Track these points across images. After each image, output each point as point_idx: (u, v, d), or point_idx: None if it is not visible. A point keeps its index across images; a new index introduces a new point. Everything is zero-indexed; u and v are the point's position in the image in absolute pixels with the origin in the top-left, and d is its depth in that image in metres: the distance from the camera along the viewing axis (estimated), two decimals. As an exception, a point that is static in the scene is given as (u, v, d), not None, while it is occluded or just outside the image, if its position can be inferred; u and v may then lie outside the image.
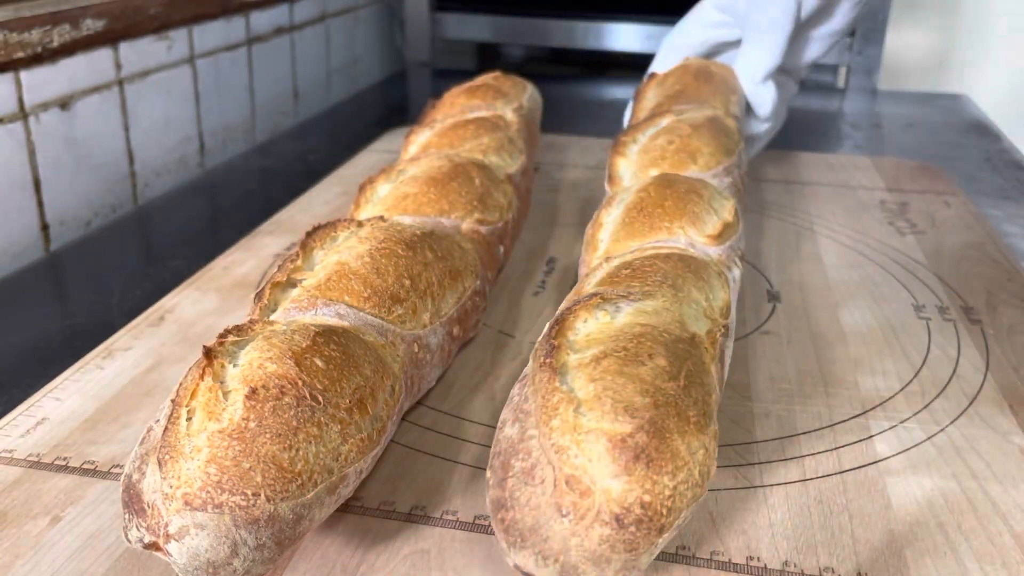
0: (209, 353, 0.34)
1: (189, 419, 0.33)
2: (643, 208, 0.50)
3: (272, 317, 0.41)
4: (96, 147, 0.77)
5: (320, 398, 0.34)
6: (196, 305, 0.56)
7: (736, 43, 0.80)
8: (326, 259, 0.44)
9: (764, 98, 0.76)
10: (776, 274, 0.63)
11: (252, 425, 0.32)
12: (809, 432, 0.45)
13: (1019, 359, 0.52)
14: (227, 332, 0.36)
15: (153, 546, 0.31)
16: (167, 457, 0.32)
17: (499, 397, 0.47)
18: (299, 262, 0.44)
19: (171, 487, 0.31)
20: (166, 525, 0.31)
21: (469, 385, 0.49)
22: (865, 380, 0.49)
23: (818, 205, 0.76)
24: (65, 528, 0.37)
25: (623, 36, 1.28)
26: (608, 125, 1.04)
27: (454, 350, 0.47)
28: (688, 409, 0.33)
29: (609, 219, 0.52)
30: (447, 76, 1.21)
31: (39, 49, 0.69)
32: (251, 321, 0.38)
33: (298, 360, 0.34)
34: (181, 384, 0.34)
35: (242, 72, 0.99)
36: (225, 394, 0.33)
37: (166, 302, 0.57)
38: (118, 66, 0.79)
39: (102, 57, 0.77)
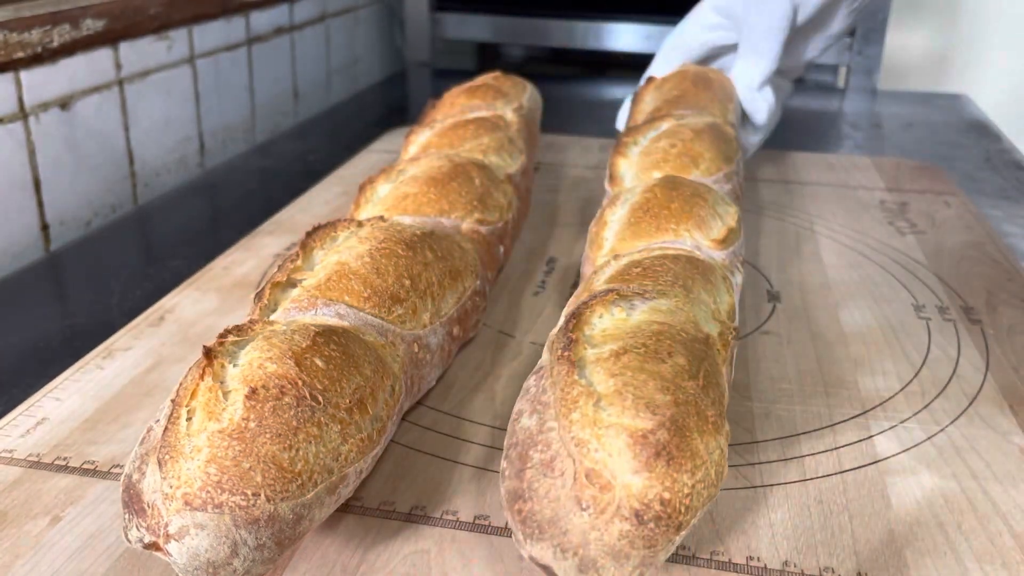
0: (209, 353, 0.34)
1: (189, 419, 0.33)
2: (649, 209, 0.51)
3: (272, 317, 0.41)
4: (96, 147, 0.77)
5: (320, 398, 0.34)
6: (196, 305, 0.56)
7: (734, 46, 0.80)
8: (326, 259, 0.44)
9: (760, 105, 0.76)
10: (776, 274, 0.63)
11: (252, 425, 0.32)
12: (809, 432, 0.45)
13: (1019, 359, 0.52)
14: (227, 332, 0.36)
15: (153, 546, 0.31)
16: (167, 457, 0.32)
17: (499, 397, 0.47)
18: (299, 262, 0.44)
19: (171, 487, 0.31)
20: (166, 525, 0.31)
21: (469, 385, 0.49)
22: (865, 380, 0.49)
23: (818, 205, 0.76)
24: (65, 528, 0.37)
25: (623, 36, 1.28)
26: (608, 125, 1.04)
27: (454, 350, 0.47)
28: (707, 409, 0.34)
29: (614, 218, 0.53)
30: (447, 76, 1.21)
31: (39, 49, 0.69)
32: (251, 321, 0.38)
33: (298, 360, 0.34)
34: (181, 384, 0.34)
35: (242, 72, 0.99)
36: (225, 394, 0.33)
37: (166, 302, 0.57)
38: (118, 66, 0.79)
39: (102, 57, 0.77)
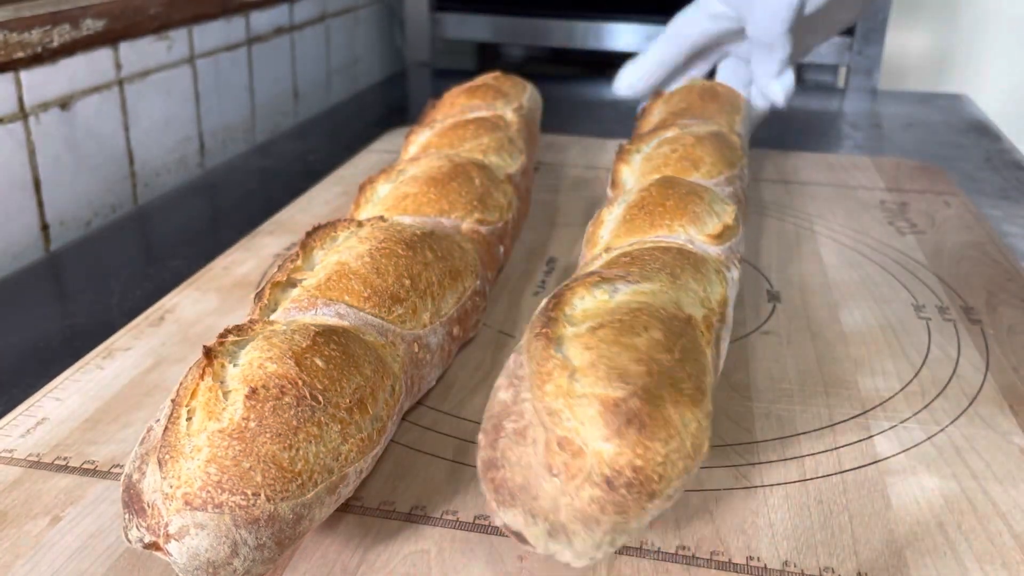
0: (209, 353, 0.34)
1: (189, 419, 0.33)
2: (644, 206, 0.51)
3: (272, 317, 0.41)
4: (96, 147, 0.77)
5: (320, 398, 0.34)
6: (196, 305, 0.56)
7: (733, 36, 0.80)
8: (326, 259, 0.44)
9: (778, 89, 0.78)
10: (776, 274, 0.63)
11: (252, 425, 0.32)
12: (809, 432, 0.45)
13: (1019, 359, 0.52)
14: (227, 332, 0.36)
15: (153, 546, 0.31)
16: (167, 457, 0.32)
17: (499, 397, 0.47)
18: (299, 262, 0.44)
19: (171, 487, 0.31)
20: (166, 525, 0.31)
21: (469, 385, 0.49)
22: (865, 380, 0.49)
23: (818, 205, 0.76)
24: (65, 528, 0.37)
25: (623, 36, 1.28)
26: (608, 125, 1.04)
27: (454, 350, 0.47)
28: (682, 381, 0.34)
29: (610, 217, 0.53)
30: (447, 76, 1.21)
31: (39, 49, 0.69)
32: (251, 321, 0.38)
33: (298, 360, 0.34)
34: (181, 384, 0.34)
35: (242, 72, 0.99)
36: (225, 394, 0.33)
37: (166, 302, 0.57)
38: (118, 66, 0.79)
39: (102, 57, 0.77)
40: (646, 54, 0.84)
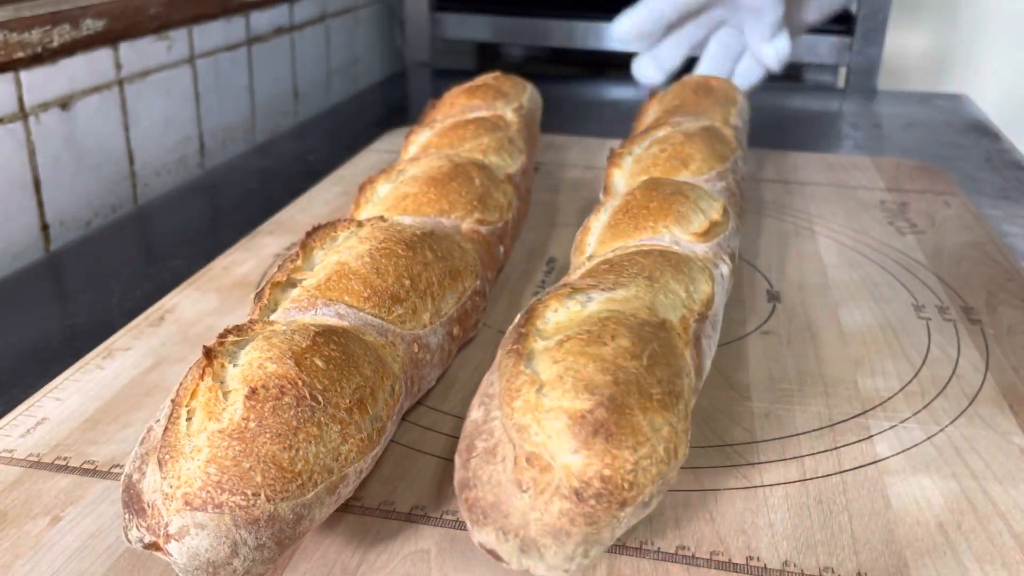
0: (209, 353, 0.34)
1: (189, 419, 0.33)
2: (628, 210, 0.51)
3: (272, 317, 0.41)
4: (96, 147, 0.77)
5: (320, 398, 0.34)
6: (196, 305, 0.56)
7: (706, 7, 0.82)
8: (326, 259, 0.44)
9: (771, 53, 0.79)
10: (776, 274, 0.63)
11: (252, 425, 0.32)
12: (809, 432, 0.45)
13: (1019, 359, 0.52)
14: (227, 332, 0.36)
15: (153, 546, 0.31)
16: (167, 457, 0.32)
17: (499, 397, 0.47)
18: (299, 262, 0.44)
19: (171, 487, 0.31)
20: (166, 525, 0.31)
21: (469, 385, 0.49)
22: (865, 380, 0.49)
23: (818, 205, 0.76)
24: (65, 528, 0.37)
25: (623, 36, 1.28)
26: (608, 125, 1.04)
27: (454, 350, 0.47)
28: (651, 387, 0.34)
29: (597, 224, 0.53)
30: (447, 76, 1.21)
31: (39, 49, 0.69)
32: (251, 321, 0.38)
33: (298, 360, 0.34)
34: (181, 384, 0.34)
35: (242, 72, 0.99)
36: (225, 394, 0.33)
37: (166, 302, 0.57)
38: (118, 66, 0.79)
39: (102, 57, 0.77)
40: (645, 3, 0.85)
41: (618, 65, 1.49)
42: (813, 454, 0.43)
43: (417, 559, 0.36)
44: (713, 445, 0.43)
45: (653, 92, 0.80)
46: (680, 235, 0.49)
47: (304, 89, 1.15)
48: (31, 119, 0.70)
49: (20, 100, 0.69)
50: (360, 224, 0.47)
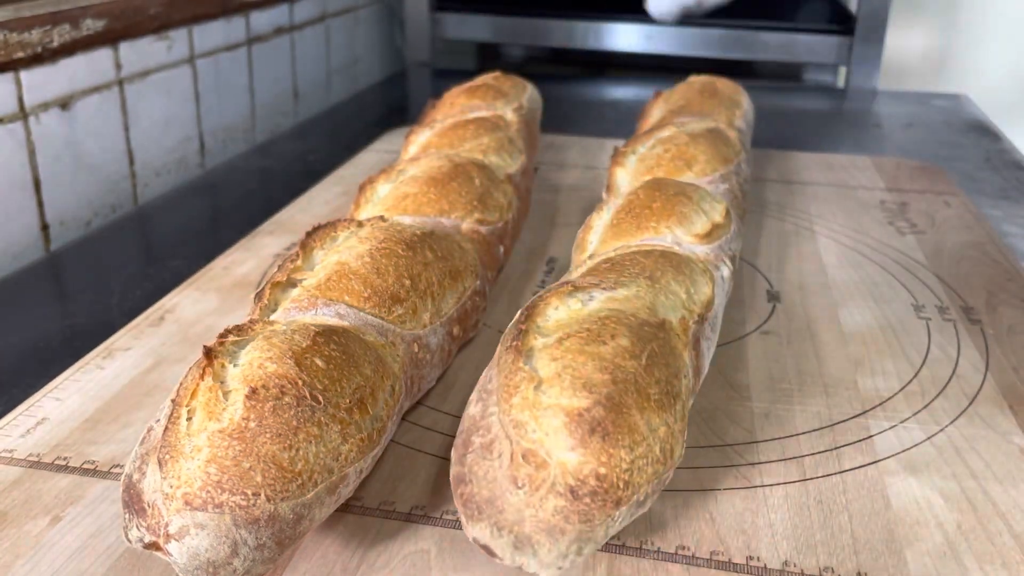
0: (209, 353, 0.34)
1: (189, 419, 0.33)
2: (631, 210, 0.51)
3: (272, 317, 0.41)
4: (96, 147, 0.77)
5: (320, 398, 0.34)
6: (196, 305, 0.56)
7: None
8: (326, 259, 0.44)
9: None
10: (776, 274, 0.63)
11: (252, 425, 0.32)
12: (809, 432, 0.45)
13: (1019, 359, 0.52)
14: (227, 332, 0.36)
15: (153, 546, 0.31)
16: (167, 457, 0.32)
17: (499, 397, 0.47)
18: (299, 262, 0.44)
19: (171, 487, 0.31)
20: (166, 525, 0.31)
21: (469, 385, 0.48)
22: (865, 380, 0.49)
23: (818, 205, 0.76)
24: (65, 528, 0.37)
25: (623, 36, 1.28)
26: (608, 125, 1.05)
27: (454, 350, 0.47)
28: (649, 387, 0.34)
29: (599, 222, 0.53)
30: (447, 76, 1.21)
31: (39, 49, 0.69)
32: (251, 321, 0.38)
33: (298, 360, 0.34)
34: (181, 384, 0.34)
35: (242, 72, 0.99)
36: (225, 394, 0.33)
37: (166, 302, 0.57)
38: (118, 66, 0.79)
39: (102, 57, 0.77)
40: None
41: (618, 65, 1.49)
42: (813, 454, 0.43)
43: (417, 559, 0.36)
44: (713, 445, 0.43)
45: (658, 93, 0.80)
46: (682, 236, 0.49)
47: (304, 89, 1.15)
48: (31, 119, 0.70)
49: (20, 100, 0.69)
50: (360, 224, 0.47)
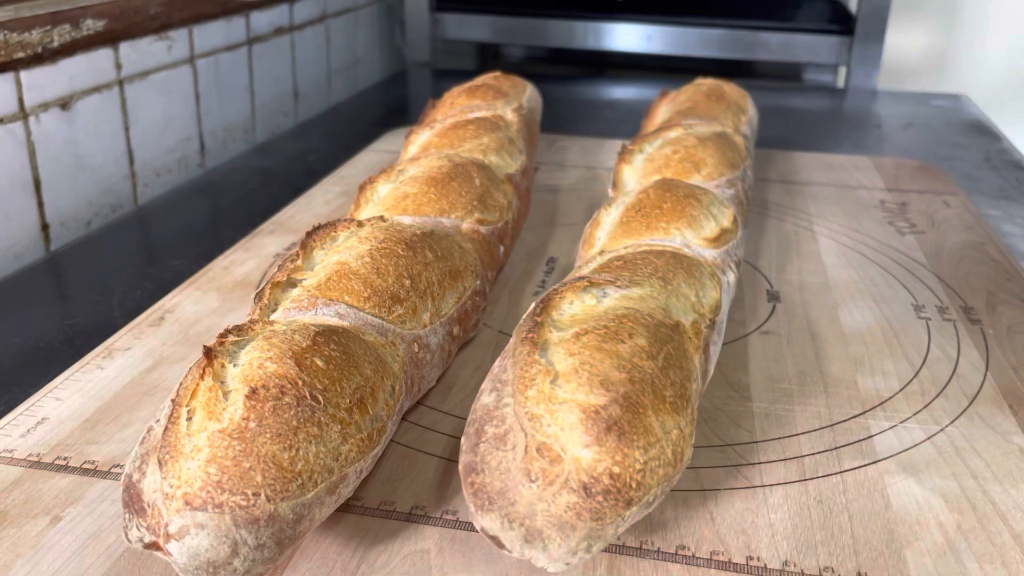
0: (209, 353, 0.34)
1: (189, 419, 0.33)
2: (641, 208, 0.51)
3: (272, 317, 0.41)
4: (96, 147, 0.77)
5: (320, 398, 0.34)
6: (196, 305, 0.56)
7: None
8: (326, 259, 0.44)
9: None
10: (776, 274, 0.63)
11: (252, 425, 0.32)
12: (809, 432, 0.45)
13: (1019, 359, 0.52)
14: (227, 332, 0.36)
15: (153, 546, 0.31)
16: (167, 457, 0.32)
17: (499, 397, 0.47)
18: (299, 262, 0.44)
19: (171, 487, 0.31)
20: (166, 525, 0.31)
21: (469, 385, 0.49)
22: (865, 380, 0.49)
23: (818, 205, 0.76)
24: (65, 528, 0.37)
25: (623, 36, 1.28)
26: (608, 125, 1.05)
27: (454, 350, 0.47)
28: (664, 389, 0.34)
29: (608, 219, 0.53)
30: (447, 76, 1.21)
31: (39, 49, 0.69)
32: (251, 321, 0.38)
33: (298, 360, 0.34)
34: (181, 384, 0.34)
35: (242, 72, 0.99)
36: (225, 394, 0.33)
37: (166, 302, 0.57)
38: (118, 66, 0.79)
39: (102, 57, 0.77)
40: None
41: (618, 65, 1.49)
42: (813, 454, 0.43)
43: (417, 559, 0.36)
44: (713, 445, 0.43)
45: (664, 92, 0.80)
46: (691, 238, 0.49)
47: (304, 89, 1.15)
48: (31, 119, 0.70)
49: (20, 100, 0.69)
50: (360, 224, 0.47)
